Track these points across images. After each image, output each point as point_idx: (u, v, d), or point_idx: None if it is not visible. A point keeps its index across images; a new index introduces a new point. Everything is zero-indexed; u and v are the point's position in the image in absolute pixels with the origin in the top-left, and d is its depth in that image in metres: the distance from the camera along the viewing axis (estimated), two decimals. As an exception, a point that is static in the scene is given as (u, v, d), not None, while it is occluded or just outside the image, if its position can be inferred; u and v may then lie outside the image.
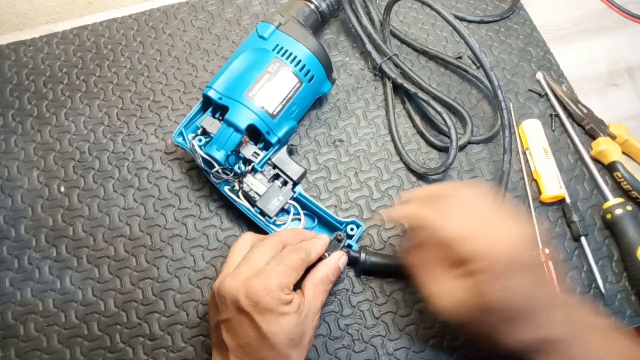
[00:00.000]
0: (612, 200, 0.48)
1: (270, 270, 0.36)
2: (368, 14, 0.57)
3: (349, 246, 0.45)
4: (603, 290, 0.46)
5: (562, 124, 0.54)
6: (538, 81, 0.57)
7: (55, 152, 0.51)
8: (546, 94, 0.56)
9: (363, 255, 0.44)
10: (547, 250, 0.47)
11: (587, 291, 0.46)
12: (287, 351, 0.35)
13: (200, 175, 0.50)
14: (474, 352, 0.44)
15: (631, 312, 0.46)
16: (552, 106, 0.55)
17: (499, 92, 0.48)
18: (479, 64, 0.51)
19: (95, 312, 0.45)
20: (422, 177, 0.51)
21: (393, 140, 0.52)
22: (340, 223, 0.46)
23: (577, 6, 0.63)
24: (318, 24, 0.52)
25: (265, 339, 0.34)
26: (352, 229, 0.45)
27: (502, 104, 0.48)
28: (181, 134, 0.47)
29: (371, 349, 0.44)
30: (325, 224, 0.47)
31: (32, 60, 0.56)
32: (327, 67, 0.48)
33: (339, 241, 0.43)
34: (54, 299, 0.45)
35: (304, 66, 0.46)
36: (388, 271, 0.46)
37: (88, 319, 0.45)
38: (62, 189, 0.50)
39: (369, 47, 0.54)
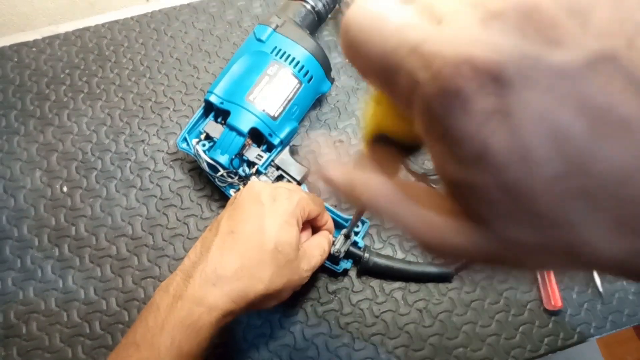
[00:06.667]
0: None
1: (297, 187, 0.40)
2: (368, 16, 0.57)
3: (355, 242, 0.45)
4: (601, 289, 0.47)
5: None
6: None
7: (58, 153, 0.52)
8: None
9: (366, 255, 0.45)
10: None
11: (585, 290, 0.47)
12: (266, 258, 0.35)
13: (202, 176, 0.51)
14: (473, 351, 0.44)
15: (629, 311, 0.46)
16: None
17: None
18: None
19: (97, 311, 0.45)
20: (422, 177, 0.52)
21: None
22: (346, 220, 0.46)
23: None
24: (315, 23, 0.52)
25: (260, 231, 0.35)
26: (357, 226, 0.46)
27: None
28: (185, 139, 0.47)
29: (371, 347, 0.44)
30: (328, 222, 0.48)
31: (35, 61, 0.56)
32: (326, 66, 0.49)
33: (347, 237, 0.44)
34: (56, 298, 0.46)
35: (302, 67, 0.47)
36: (390, 273, 0.46)
37: (90, 318, 0.45)
38: (65, 189, 0.50)
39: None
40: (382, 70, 0.15)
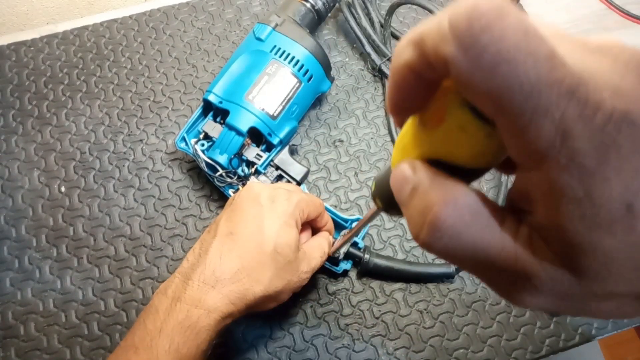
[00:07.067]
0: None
1: (296, 189, 0.40)
2: (367, 14, 0.57)
3: (355, 243, 0.45)
4: (602, 290, 0.46)
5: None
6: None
7: (56, 153, 0.52)
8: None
9: (366, 256, 0.44)
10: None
11: (586, 291, 0.47)
12: (265, 260, 0.35)
13: (201, 176, 0.50)
14: (474, 353, 0.44)
15: (631, 312, 0.46)
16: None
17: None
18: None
19: (96, 312, 0.45)
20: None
21: (393, 140, 0.53)
22: (346, 221, 0.46)
23: (576, 7, 0.63)
24: (315, 22, 0.52)
25: (259, 233, 0.35)
26: None
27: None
28: (184, 139, 0.47)
29: (371, 349, 0.44)
30: (328, 223, 0.47)
31: (33, 60, 0.56)
32: (326, 65, 0.49)
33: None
34: (54, 299, 0.45)
35: (302, 66, 0.46)
36: (391, 274, 0.46)
37: (88, 318, 0.45)
38: (63, 189, 0.50)
39: (368, 48, 0.54)
40: (515, 101, 0.12)
